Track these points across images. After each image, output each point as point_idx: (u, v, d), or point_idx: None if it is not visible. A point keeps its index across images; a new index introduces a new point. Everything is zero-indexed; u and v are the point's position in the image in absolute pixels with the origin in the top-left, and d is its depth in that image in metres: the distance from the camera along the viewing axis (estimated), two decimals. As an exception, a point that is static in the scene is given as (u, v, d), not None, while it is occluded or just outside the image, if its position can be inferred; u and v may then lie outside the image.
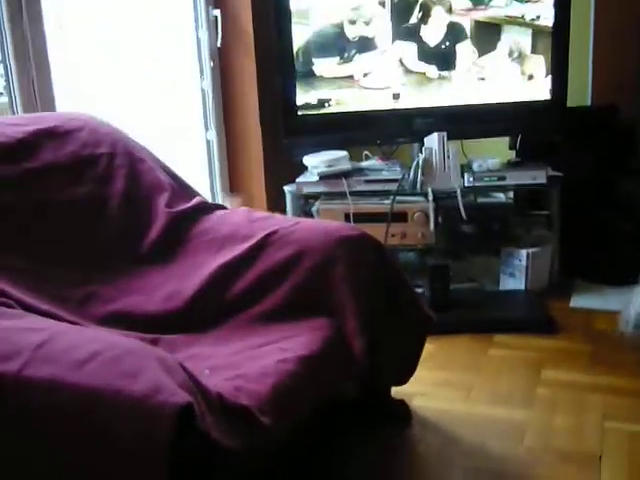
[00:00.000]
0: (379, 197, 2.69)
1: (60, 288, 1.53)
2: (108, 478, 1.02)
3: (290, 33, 2.63)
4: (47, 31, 2.06)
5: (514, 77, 2.69)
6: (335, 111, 2.72)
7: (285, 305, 1.60)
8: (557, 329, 2.42)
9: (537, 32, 2.66)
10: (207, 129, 2.96)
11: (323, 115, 2.72)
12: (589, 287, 2.75)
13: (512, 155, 2.85)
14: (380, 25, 2.65)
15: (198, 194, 1.93)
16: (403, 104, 2.71)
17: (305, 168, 2.80)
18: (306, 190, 2.75)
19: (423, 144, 2.67)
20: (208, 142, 2.98)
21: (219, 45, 2.90)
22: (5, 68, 2.00)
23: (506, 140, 2.91)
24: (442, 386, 2.08)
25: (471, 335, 2.40)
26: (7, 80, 2.01)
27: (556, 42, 2.65)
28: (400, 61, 2.69)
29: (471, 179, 2.65)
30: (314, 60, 2.68)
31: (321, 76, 2.69)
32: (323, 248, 1.62)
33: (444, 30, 2.66)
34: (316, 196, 2.78)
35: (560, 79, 2.68)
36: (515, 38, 2.66)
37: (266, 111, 2.97)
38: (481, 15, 2.65)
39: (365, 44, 2.67)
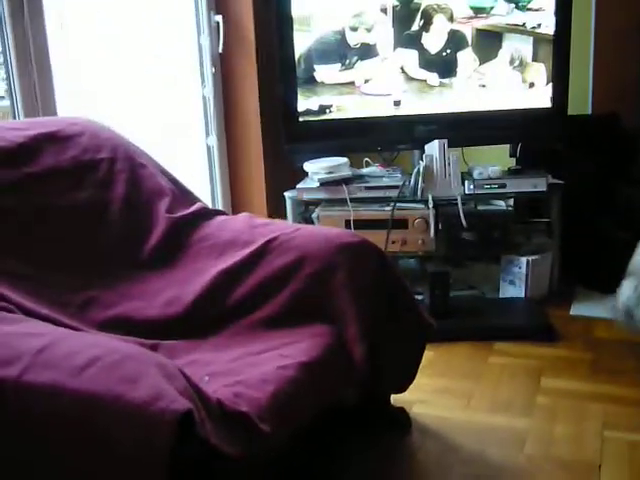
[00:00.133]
0: (380, 204, 2.69)
1: (60, 293, 1.53)
2: (108, 484, 1.02)
3: (292, 39, 2.63)
4: (48, 31, 2.06)
5: (515, 85, 2.70)
6: (336, 117, 2.72)
7: (285, 311, 1.60)
8: (557, 337, 2.42)
9: (538, 40, 2.67)
10: (208, 134, 2.96)
11: (324, 121, 2.72)
12: (589, 295, 2.74)
13: (513, 163, 2.85)
14: (382, 32, 2.66)
15: (199, 199, 1.93)
16: (404, 111, 2.72)
17: (306, 174, 2.80)
18: (306, 196, 2.75)
19: (424, 151, 2.68)
20: (209, 147, 2.98)
21: (221, 51, 2.91)
22: (7, 72, 2.00)
23: (507, 148, 2.91)
24: (442, 394, 2.08)
25: (471, 342, 2.40)
26: (9, 84, 2.01)
27: (557, 50, 2.66)
28: (401, 68, 2.69)
29: (472, 186, 2.66)
30: (315, 66, 2.69)
31: (322, 82, 2.70)
32: (324, 255, 1.62)
33: (445, 38, 2.66)
34: (316, 202, 2.78)
35: (561, 87, 2.68)
36: (516, 46, 2.67)
37: (267, 117, 2.97)
38: (482, 23, 2.66)
39: (366, 51, 2.68)
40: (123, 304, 1.60)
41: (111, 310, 1.58)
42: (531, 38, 2.67)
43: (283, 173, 2.93)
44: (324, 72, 2.69)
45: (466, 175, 2.73)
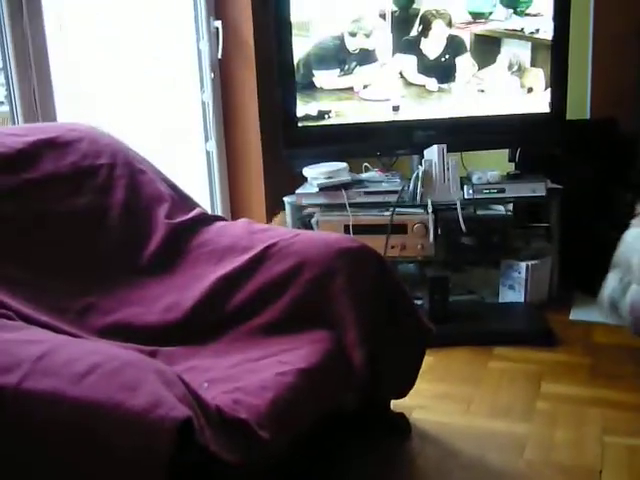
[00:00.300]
0: (379, 209, 2.69)
1: (59, 299, 1.53)
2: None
3: (291, 45, 2.64)
4: (47, 33, 2.06)
5: (514, 90, 2.70)
6: (335, 123, 2.73)
7: (285, 317, 1.60)
8: (557, 342, 2.42)
9: (536, 45, 2.68)
10: (207, 140, 2.96)
11: (323, 127, 2.72)
12: (589, 300, 2.73)
13: (511, 167, 2.85)
14: (380, 38, 2.66)
15: (198, 205, 1.93)
16: (403, 116, 2.72)
17: (305, 179, 2.80)
18: (305, 201, 2.75)
19: (423, 156, 2.68)
20: (208, 153, 2.98)
21: (220, 56, 2.91)
22: (6, 77, 2.00)
23: (505, 152, 2.91)
24: (441, 399, 2.07)
25: (470, 347, 2.40)
26: (8, 89, 2.01)
27: (555, 55, 2.67)
28: (400, 73, 2.70)
29: (471, 191, 2.66)
30: (314, 72, 2.69)
31: (321, 88, 2.70)
32: (323, 260, 1.62)
33: (444, 43, 2.67)
34: (316, 207, 2.78)
35: (559, 92, 2.69)
36: (515, 51, 2.68)
37: (266, 122, 2.97)
38: (481, 29, 2.66)
39: (365, 56, 2.68)
40: (122, 310, 1.60)
41: (110, 316, 1.58)
42: (529, 43, 2.68)
43: (282, 178, 2.93)
44: (323, 77, 2.69)
45: (465, 180, 2.73)
